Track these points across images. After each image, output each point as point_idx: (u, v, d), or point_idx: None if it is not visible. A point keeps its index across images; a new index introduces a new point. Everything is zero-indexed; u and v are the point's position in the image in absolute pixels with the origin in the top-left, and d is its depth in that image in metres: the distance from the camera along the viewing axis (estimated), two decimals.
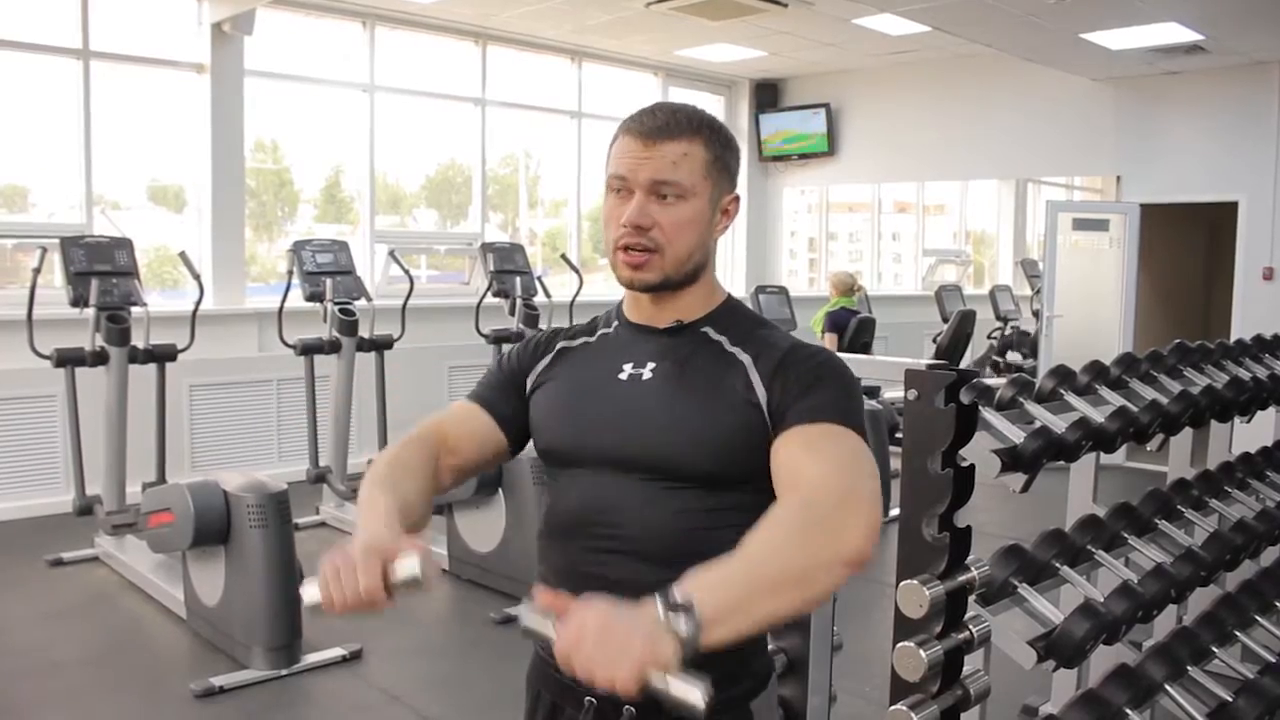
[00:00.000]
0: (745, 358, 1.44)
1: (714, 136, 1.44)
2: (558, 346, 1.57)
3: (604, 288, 9.46)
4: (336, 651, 4.15)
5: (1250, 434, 3.50)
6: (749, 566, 1.14)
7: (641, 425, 1.42)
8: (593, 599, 1.09)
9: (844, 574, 1.18)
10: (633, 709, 1.36)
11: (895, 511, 1.75)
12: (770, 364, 1.41)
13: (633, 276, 1.43)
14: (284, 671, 3.99)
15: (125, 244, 5.35)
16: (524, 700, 1.55)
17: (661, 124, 1.41)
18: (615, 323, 1.56)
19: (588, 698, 1.40)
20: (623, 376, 1.47)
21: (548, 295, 6.93)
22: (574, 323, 1.67)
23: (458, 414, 1.56)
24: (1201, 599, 2.69)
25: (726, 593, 1.10)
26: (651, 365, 1.46)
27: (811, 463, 1.29)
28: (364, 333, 6.09)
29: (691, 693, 1.03)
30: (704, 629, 1.06)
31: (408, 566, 1.21)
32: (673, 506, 1.39)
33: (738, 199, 1.50)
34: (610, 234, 1.44)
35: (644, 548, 1.39)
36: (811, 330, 8.25)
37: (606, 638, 1.03)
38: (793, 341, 1.48)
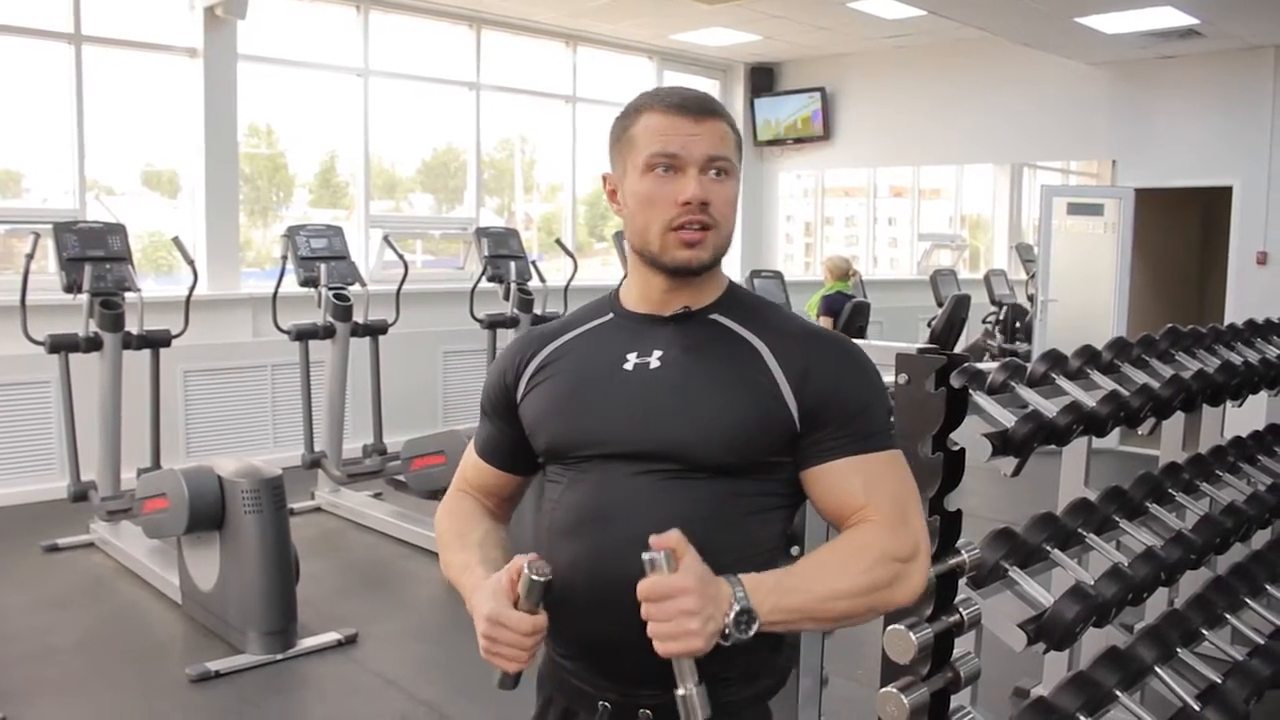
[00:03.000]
0: (760, 344, 1.40)
1: (734, 124, 1.43)
2: (545, 350, 1.49)
3: (599, 272, 9.46)
4: (332, 636, 4.15)
5: (1242, 418, 3.52)
6: (821, 597, 1.28)
7: (653, 415, 1.37)
8: (693, 564, 1.20)
9: (883, 614, 1.39)
10: (648, 712, 1.36)
11: None
12: (795, 358, 1.38)
13: (692, 256, 1.38)
14: (279, 656, 4.00)
15: (119, 229, 5.33)
16: (534, 700, 1.51)
17: (702, 101, 1.39)
18: (610, 314, 1.49)
19: (601, 702, 1.37)
20: (628, 367, 1.41)
21: (542, 280, 6.92)
22: (554, 313, 1.66)
23: (473, 470, 1.59)
24: (1192, 582, 2.71)
25: (785, 612, 1.25)
26: (659, 354, 1.40)
27: (877, 504, 1.35)
28: (358, 318, 6.08)
29: (695, 712, 1.20)
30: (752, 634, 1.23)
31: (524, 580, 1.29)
32: (687, 497, 1.34)
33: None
34: (659, 215, 1.37)
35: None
36: (806, 314, 8.25)
37: (688, 614, 1.17)
38: (805, 327, 1.45)
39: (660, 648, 1.19)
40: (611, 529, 1.35)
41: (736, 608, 1.20)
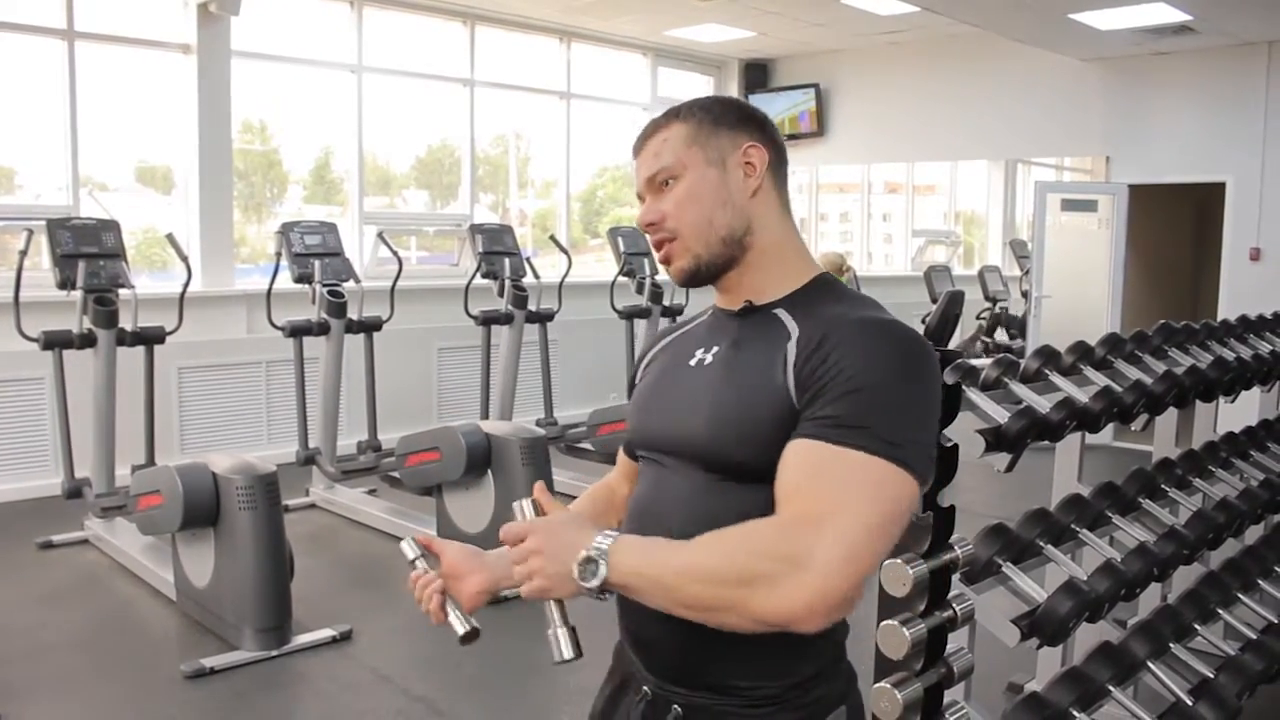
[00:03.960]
0: (794, 334, 1.30)
1: (692, 111, 1.40)
2: (659, 344, 1.53)
3: (594, 268, 9.46)
4: (326, 632, 4.16)
5: (1235, 413, 3.53)
6: (677, 570, 1.18)
7: (690, 412, 1.35)
8: (553, 516, 1.27)
9: (755, 627, 1.16)
10: (679, 709, 1.35)
11: None
12: (813, 339, 1.26)
13: (671, 271, 1.40)
14: (274, 652, 4.00)
15: (112, 226, 5.33)
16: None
17: (643, 131, 1.43)
18: (711, 309, 1.49)
19: (644, 687, 1.40)
20: (693, 362, 1.40)
21: (536, 276, 6.92)
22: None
23: (621, 460, 1.64)
24: (1185, 577, 2.72)
25: (640, 576, 1.19)
26: (716, 350, 1.38)
27: (801, 499, 1.18)
28: (353, 314, 6.08)
29: (558, 648, 1.26)
30: (607, 587, 1.20)
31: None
32: (714, 500, 1.31)
33: (755, 147, 1.38)
34: None
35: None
36: None
37: (533, 553, 1.23)
38: (860, 314, 1.29)
39: (522, 589, 1.25)
40: (653, 527, 1.35)
41: (583, 554, 1.19)
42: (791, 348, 1.28)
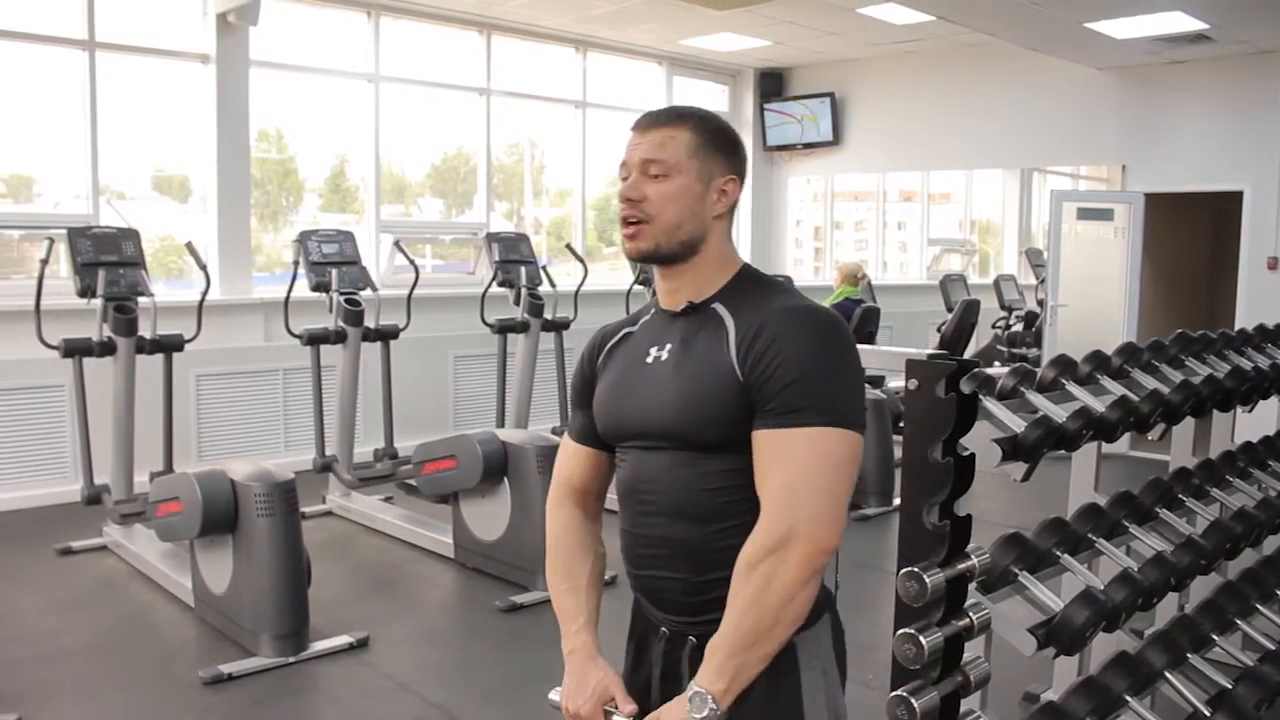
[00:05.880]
0: (730, 324, 1.56)
1: (701, 125, 1.60)
2: (607, 346, 1.74)
3: (609, 277, 9.47)
4: (344, 639, 4.18)
5: (1252, 423, 3.52)
6: (734, 639, 1.47)
7: (658, 402, 1.59)
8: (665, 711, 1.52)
9: (807, 589, 1.47)
10: (694, 639, 1.59)
11: (898, 500, 1.77)
12: (748, 332, 1.52)
13: (629, 246, 1.60)
14: (291, 659, 4.02)
15: (132, 234, 5.37)
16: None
17: (653, 116, 1.62)
18: (651, 311, 1.71)
19: (663, 629, 1.65)
20: (649, 360, 1.63)
21: (552, 285, 6.93)
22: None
23: (571, 456, 1.79)
24: (1203, 587, 2.71)
25: (729, 676, 1.47)
26: (669, 347, 1.61)
27: (767, 488, 1.48)
28: (369, 322, 6.11)
29: None
30: (726, 702, 1.47)
31: None
32: (688, 471, 1.57)
33: (735, 180, 1.62)
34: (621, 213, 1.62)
35: (672, 508, 1.59)
36: None
37: None
38: (781, 305, 1.55)
39: None
40: (643, 501, 1.63)
41: (690, 708, 1.47)
42: (731, 334, 1.54)
